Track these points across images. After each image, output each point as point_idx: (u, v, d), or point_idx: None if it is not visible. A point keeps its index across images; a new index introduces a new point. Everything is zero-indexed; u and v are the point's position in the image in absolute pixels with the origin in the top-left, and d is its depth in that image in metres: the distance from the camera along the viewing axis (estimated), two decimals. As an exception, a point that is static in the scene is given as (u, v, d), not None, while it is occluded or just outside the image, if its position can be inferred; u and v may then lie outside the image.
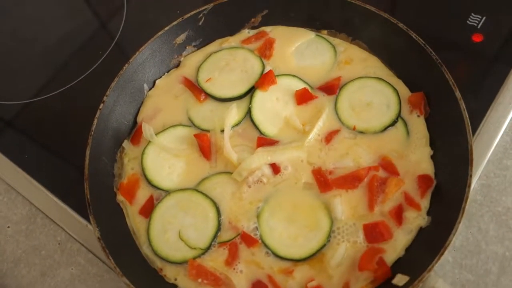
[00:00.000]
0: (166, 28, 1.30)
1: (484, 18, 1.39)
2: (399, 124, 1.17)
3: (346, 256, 1.03)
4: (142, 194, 1.17)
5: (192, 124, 1.25)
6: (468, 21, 1.40)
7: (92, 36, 1.64)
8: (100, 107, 1.20)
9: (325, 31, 1.35)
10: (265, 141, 1.18)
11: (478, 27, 1.38)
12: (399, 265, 1.01)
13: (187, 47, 1.37)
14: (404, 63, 1.23)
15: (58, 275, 1.20)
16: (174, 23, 1.31)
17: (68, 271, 1.20)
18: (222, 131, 1.19)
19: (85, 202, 1.14)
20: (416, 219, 1.05)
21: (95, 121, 1.18)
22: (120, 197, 1.17)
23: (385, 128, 1.16)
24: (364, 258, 1.01)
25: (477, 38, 1.37)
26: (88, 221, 1.24)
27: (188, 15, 1.31)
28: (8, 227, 1.29)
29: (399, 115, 1.17)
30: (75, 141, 1.37)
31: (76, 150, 1.35)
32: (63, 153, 1.39)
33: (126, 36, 1.59)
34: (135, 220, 1.15)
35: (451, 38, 1.39)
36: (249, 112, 1.22)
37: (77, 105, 1.46)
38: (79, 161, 1.32)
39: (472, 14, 1.41)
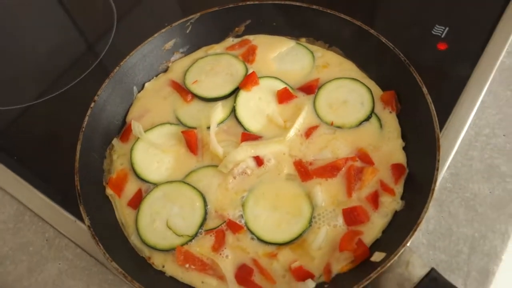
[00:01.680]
0: (156, 35, 1.39)
1: (447, 28, 1.53)
2: (373, 119, 1.26)
3: (327, 239, 1.09)
4: (131, 188, 1.21)
5: (179, 122, 1.31)
6: (432, 31, 1.53)
7: (83, 47, 1.72)
8: (91, 105, 1.26)
9: (304, 39, 1.46)
10: (249, 136, 1.25)
11: (442, 36, 1.51)
12: (377, 246, 1.07)
13: (175, 53, 1.45)
14: (376, 65, 1.33)
15: (46, 270, 1.21)
16: (163, 30, 1.40)
17: (55, 266, 1.22)
18: (208, 128, 1.26)
19: (73, 198, 1.17)
20: (391, 204, 1.12)
21: (86, 119, 1.24)
22: (109, 191, 1.21)
23: (360, 123, 1.25)
24: (344, 240, 1.07)
25: (441, 46, 1.50)
26: (76, 216, 1.28)
27: (177, 23, 1.41)
28: (-5, 225, 1.30)
29: (372, 111, 1.26)
30: (62, 141, 1.43)
31: (63, 149, 1.39)
32: (50, 152, 1.43)
33: (114, 48, 1.67)
34: (123, 212, 1.18)
35: (418, 47, 1.51)
36: (233, 111, 1.30)
37: (65, 109, 1.51)
38: (66, 160, 1.37)
39: (437, 25, 1.54)
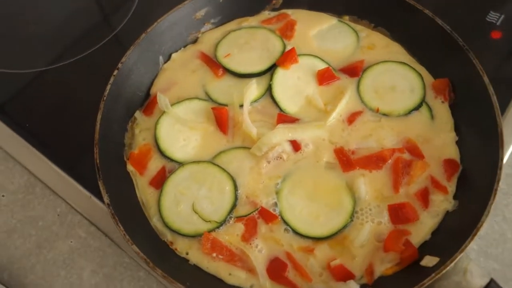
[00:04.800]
0: (187, 2, 1.27)
1: (503, 16, 1.40)
2: (423, 108, 1.14)
3: (371, 236, 0.98)
4: (154, 165, 1.11)
5: (209, 98, 1.20)
6: (487, 18, 1.41)
7: (103, 12, 1.60)
8: (115, 73, 1.15)
9: (347, 17, 1.33)
10: (285, 118, 1.14)
11: (497, 24, 1.39)
12: (425, 248, 0.97)
13: (206, 24, 1.33)
14: (427, 50, 1.21)
15: (56, 247, 1.12)
16: (195, -3, 1.28)
17: (66, 243, 1.12)
18: (241, 106, 1.15)
19: (89, 172, 1.08)
20: (442, 203, 1.01)
21: (109, 87, 1.13)
22: (130, 167, 1.11)
23: (409, 112, 1.14)
24: (390, 239, 0.96)
25: (496, 35, 1.38)
26: (92, 192, 1.18)
27: (210, -10, 1.28)
28: (3, 196, 1.20)
29: (423, 100, 1.15)
30: (80, 111, 1.32)
31: (80, 119, 1.29)
32: (66, 122, 1.32)
33: (137, 15, 1.55)
34: (145, 191, 1.08)
35: (470, 35, 1.38)
36: (269, 90, 1.19)
37: (83, 77, 1.40)
38: (83, 130, 1.26)
39: (491, 11, 1.42)
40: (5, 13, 1.60)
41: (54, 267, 1.09)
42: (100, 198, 1.15)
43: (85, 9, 1.60)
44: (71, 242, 1.12)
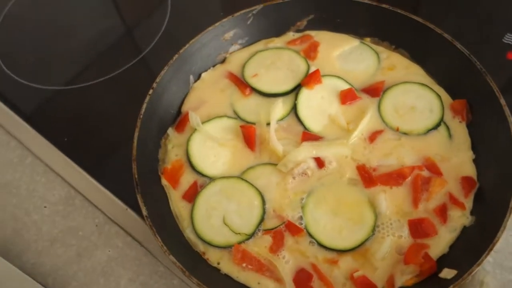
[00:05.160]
0: (217, 24, 1.35)
1: (520, 37, 1.45)
2: (442, 128, 1.20)
3: (391, 249, 1.04)
4: (186, 180, 1.18)
5: (237, 116, 1.28)
6: (503, 40, 1.46)
7: (134, 33, 1.70)
8: (150, 92, 1.23)
9: (368, 39, 1.40)
10: (310, 136, 1.21)
11: (514, 45, 1.44)
12: (443, 262, 1.02)
13: (233, 44, 1.41)
14: (446, 71, 1.27)
15: (95, 256, 1.20)
16: (225, 19, 1.36)
17: (105, 253, 1.20)
18: (268, 124, 1.22)
19: (125, 185, 1.16)
20: (460, 218, 1.07)
21: (144, 106, 1.21)
22: (164, 181, 1.18)
23: (428, 131, 1.19)
24: (410, 252, 1.02)
25: (512, 56, 1.43)
26: (128, 205, 1.26)
27: (239, 13, 1.37)
28: (45, 207, 1.29)
29: (442, 120, 1.20)
30: (116, 126, 1.41)
31: (116, 134, 1.39)
32: (103, 137, 1.41)
33: (169, 32, 1.64)
34: (178, 205, 1.16)
35: (486, 53, 1.43)
36: (294, 108, 1.26)
37: (119, 93, 1.50)
38: (119, 145, 1.36)
39: (508, 33, 1.47)
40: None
41: (94, 274, 1.17)
42: (136, 210, 1.24)
43: (113, 30, 1.70)
44: (109, 251, 1.20)
